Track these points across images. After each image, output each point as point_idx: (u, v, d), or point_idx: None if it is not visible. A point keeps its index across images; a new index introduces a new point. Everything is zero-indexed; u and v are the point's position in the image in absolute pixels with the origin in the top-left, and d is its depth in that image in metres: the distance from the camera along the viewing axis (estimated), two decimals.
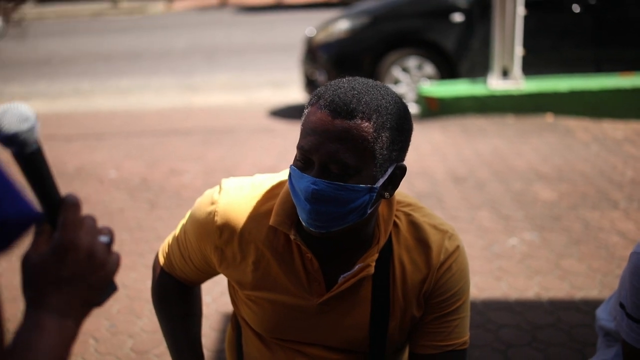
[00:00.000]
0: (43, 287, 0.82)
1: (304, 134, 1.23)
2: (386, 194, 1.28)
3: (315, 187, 1.19)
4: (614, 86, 6.15)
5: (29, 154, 0.83)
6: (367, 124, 1.19)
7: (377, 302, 1.37)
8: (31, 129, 0.82)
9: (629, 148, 5.30)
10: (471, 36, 6.50)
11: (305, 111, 1.26)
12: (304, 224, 1.26)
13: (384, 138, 1.21)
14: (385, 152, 1.22)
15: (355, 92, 1.21)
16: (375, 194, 1.24)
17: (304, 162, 1.23)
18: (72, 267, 0.83)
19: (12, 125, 0.81)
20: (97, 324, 3.06)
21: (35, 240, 0.85)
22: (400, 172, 1.29)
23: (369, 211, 1.26)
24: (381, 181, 1.24)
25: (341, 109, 1.19)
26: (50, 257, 0.82)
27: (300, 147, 1.23)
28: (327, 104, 1.20)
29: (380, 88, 1.25)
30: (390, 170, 1.26)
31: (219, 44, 12.04)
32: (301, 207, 1.24)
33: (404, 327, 1.41)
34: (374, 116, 1.19)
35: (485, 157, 5.21)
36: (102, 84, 9.06)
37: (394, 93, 1.27)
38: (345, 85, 1.23)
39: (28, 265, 0.83)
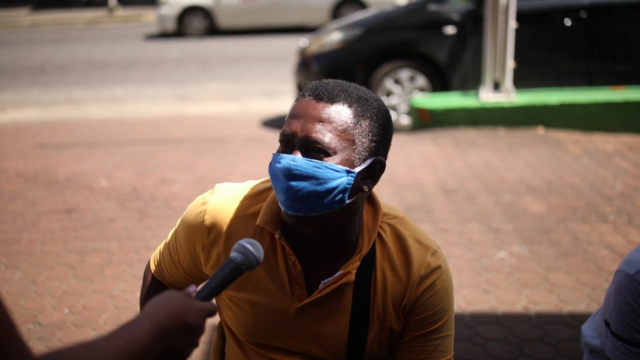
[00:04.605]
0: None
1: (286, 121, 1.29)
2: (365, 187, 1.30)
3: (293, 163, 1.24)
4: (605, 99, 6.18)
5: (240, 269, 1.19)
6: (348, 109, 1.26)
7: (357, 311, 1.38)
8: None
9: (619, 161, 5.32)
10: (463, 49, 6.53)
11: (290, 107, 1.32)
12: (282, 208, 1.29)
13: (363, 126, 1.26)
14: (365, 141, 1.27)
15: (338, 84, 1.30)
16: (352, 179, 1.26)
17: (285, 146, 1.28)
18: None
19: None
20: (84, 334, 3.05)
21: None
22: (380, 167, 1.32)
23: (347, 200, 1.27)
24: (359, 168, 1.27)
25: (323, 94, 1.27)
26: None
27: (282, 133, 1.28)
28: (311, 92, 1.28)
29: (362, 87, 1.33)
30: (369, 162, 1.28)
31: (213, 53, 12.06)
32: (279, 187, 1.27)
33: (383, 339, 1.41)
34: (355, 104, 1.27)
35: (476, 169, 5.23)
36: (96, 92, 9.06)
37: (375, 95, 1.34)
38: (329, 80, 1.33)
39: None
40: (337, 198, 1.26)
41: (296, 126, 1.25)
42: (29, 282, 3.56)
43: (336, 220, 1.31)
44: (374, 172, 1.31)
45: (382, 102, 1.33)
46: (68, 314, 3.24)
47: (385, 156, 1.33)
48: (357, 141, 1.26)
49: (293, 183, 1.24)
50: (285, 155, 1.25)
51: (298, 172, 1.24)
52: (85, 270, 3.67)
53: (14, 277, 3.61)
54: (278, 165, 1.25)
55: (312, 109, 1.25)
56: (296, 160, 1.24)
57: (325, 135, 1.23)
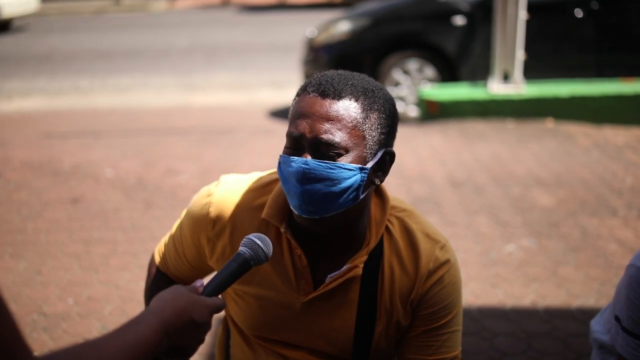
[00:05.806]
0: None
1: (292, 121, 1.24)
2: (376, 180, 1.28)
3: (306, 166, 1.20)
4: (615, 92, 6.11)
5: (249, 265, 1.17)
6: (355, 104, 1.22)
7: (364, 305, 1.36)
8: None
9: (630, 154, 5.26)
10: (472, 39, 6.47)
11: (293, 102, 1.27)
12: (295, 212, 1.26)
13: (372, 119, 1.23)
14: (375, 134, 1.24)
15: (342, 76, 1.26)
16: (366, 176, 1.23)
17: (293, 148, 1.24)
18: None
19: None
20: (88, 325, 3.03)
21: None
22: (390, 157, 1.30)
23: (361, 196, 1.25)
24: (371, 163, 1.24)
25: (329, 90, 1.22)
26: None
27: (289, 134, 1.24)
28: (315, 88, 1.23)
29: (365, 76, 1.30)
30: (380, 154, 1.26)
31: (220, 43, 12.02)
32: (292, 192, 1.23)
33: (390, 333, 1.39)
34: (362, 97, 1.23)
35: (484, 161, 5.18)
36: (102, 81, 9.03)
37: (378, 83, 1.31)
38: (331, 72, 1.28)
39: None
40: (351, 196, 1.23)
41: (304, 127, 1.21)
42: (34, 271, 3.55)
43: (350, 217, 1.29)
44: (385, 163, 1.30)
45: (386, 90, 1.31)
46: (73, 304, 3.22)
47: (393, 145, 1.31)
48: (367, 136, 1.23)
49: (308, 187, 1.21)
50: (296, 158, 1.21)
51: (312, 175, 1.20)
52: (90, 261, 3.66)
53: (18, 267, 3.60)
54: (290, 169, 1.22)
55: (318, 107, 1.21)
56: (309, 163, 1.20)
57: (336, 135, 1.20)
